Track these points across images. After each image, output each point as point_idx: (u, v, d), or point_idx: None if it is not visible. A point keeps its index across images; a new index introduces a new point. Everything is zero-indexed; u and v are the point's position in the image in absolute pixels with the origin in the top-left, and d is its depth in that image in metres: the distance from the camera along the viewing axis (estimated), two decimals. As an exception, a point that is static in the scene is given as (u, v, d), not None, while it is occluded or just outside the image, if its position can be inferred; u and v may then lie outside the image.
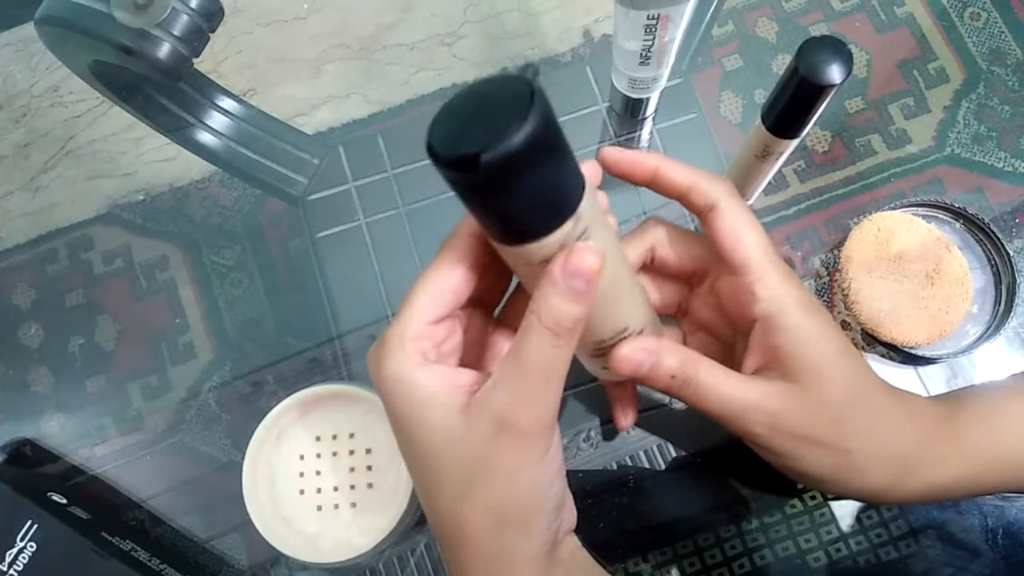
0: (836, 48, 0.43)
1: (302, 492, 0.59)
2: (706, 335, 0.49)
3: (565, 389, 0.61)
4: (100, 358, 0.68)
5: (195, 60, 0.52)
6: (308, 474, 0.60)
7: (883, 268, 0.60)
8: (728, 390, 0.42)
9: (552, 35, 0.74)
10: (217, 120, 0.64)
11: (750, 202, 0.64)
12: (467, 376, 0.39)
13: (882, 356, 0.63)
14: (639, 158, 0.43)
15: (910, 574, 0.58)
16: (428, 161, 0.31)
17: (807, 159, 0.68)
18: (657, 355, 0.42)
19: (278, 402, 0.59)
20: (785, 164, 0.63)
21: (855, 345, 0.60)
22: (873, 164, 0.68)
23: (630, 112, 0.66)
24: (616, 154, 0.43)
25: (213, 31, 0.52)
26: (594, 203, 0.36)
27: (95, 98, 0.73)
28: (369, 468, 0.59)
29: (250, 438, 0.58)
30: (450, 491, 0.38)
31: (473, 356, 0.44)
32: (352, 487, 0.59)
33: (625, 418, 0.54)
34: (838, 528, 0.59)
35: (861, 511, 0.60)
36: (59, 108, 0.74)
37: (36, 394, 0.68)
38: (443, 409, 0.37)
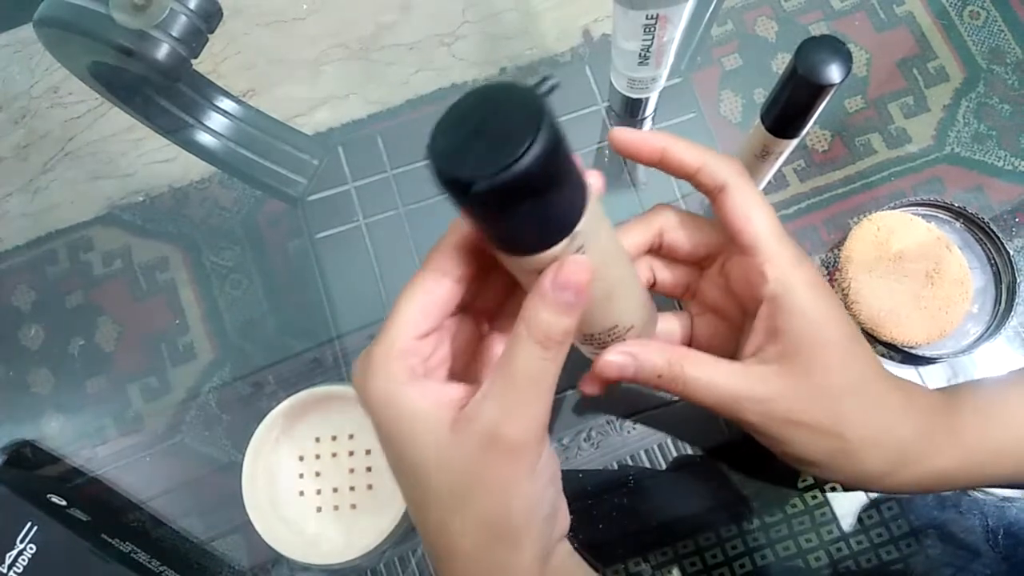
0: (835, 48, 0.43)
1: (302, 493, 0.59)
2: (714, 317, 0.49)
3: (566, 388, 0.62)
4: (100, 359, 0.68)
5: (194, 61, 0.52)
6: (308, 475, 0.60)
7: (883, 268, 0.60)
8: (717, 381, 0.42)
9: (551, 35, 0.74)
10: (216, 121, 0.64)
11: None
12: (456, 390, 0.39)
13: (882, 356, 0.62)
14: (648, 138, 0.43)
15: (911, 574, 0.58)
16: (427, 161, 0.31)
17: (807, 158, 0.68)
18: (640, 357, 0.42)
19: (278, 403, 0.59)
20: (785, 163, 0.63)
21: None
22: (873, 163, 0.68)
23: (629, 112, 0.66)
24: (625, 134, 0.43)
25: (212, 32, 0.52)
26: (595, 211, 0.35)
27: (94, 99, 0.73)
28: (369, 469, 0.59)
29: (250, 438, 0.58)
30: (440, 506, 0.38)
31: (463, 363, 0.43)
32: (352, 488, 0.59)
33: (591, 385, 0.52)
34: (839, 528, 0.59)
35: (862, 510, 0.60)
36: (58, 109, 0.74)
37: (36, 395, 0.68)
38: (432, 425, 0.37)
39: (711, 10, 0.70)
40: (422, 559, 0.61)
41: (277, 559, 0.62)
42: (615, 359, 0.42)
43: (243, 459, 0.58)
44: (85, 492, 0.65)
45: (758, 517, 0.60)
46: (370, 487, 0.59)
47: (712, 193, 0.43)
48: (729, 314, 0.48)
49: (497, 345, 0.44)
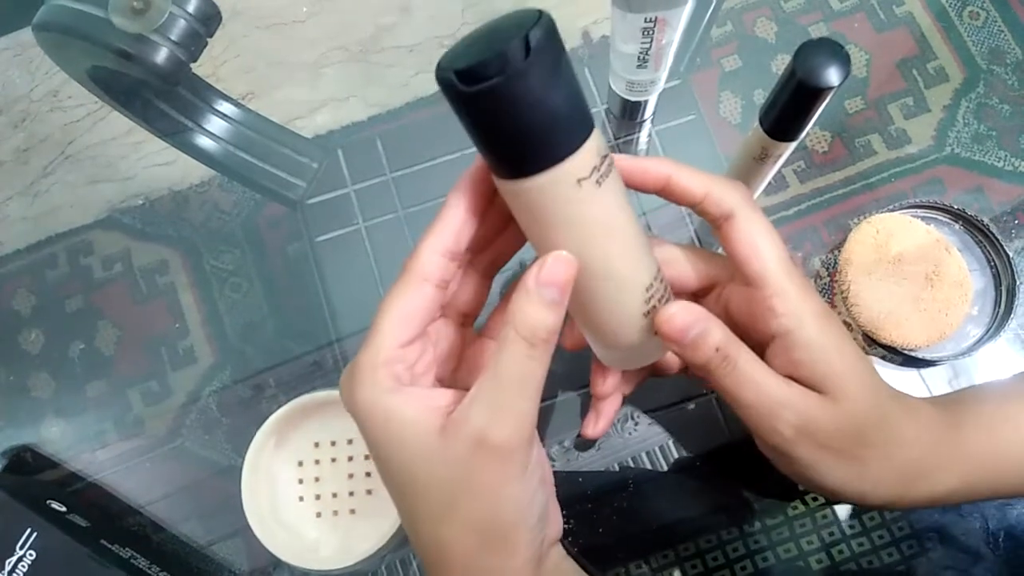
0: (833, 51, 0.42)
1: (301, 498, 0.59)
2: None
3: (568, 390, 0.62)
4: (100, 363, 0.68)
5: (193, 64, 0.52)
6: (307, 480, 0.60)
7: (882, 270, 0.60)
8: (766, 381, 0.41)
9: (551, 37, 0.73)
10: (216, 124, 0.64)
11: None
12: (443, 396, 0.39)
13: (882, 358, 0.63)
14: (650, 166, 0.42)
15: (912, 576, 0.58)
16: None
17: (807, 159, 0.68)
18: (707, 322, 0.40)
19: (278, 406, 0.59)
20: (784, 164, 0.63)
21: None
22: (873, 164, 0.68)
23: (628, 115, 0.66)
24: (626, 161, 0.42)
25: (211, 36, 0.52)
26: (602, 141, 0.36)
27: (94, 103, 0.73)
28: (368, 474, 0.59)
29: (250, 442, 0.58)
30: (430, 512, 0.38)
31: (449, 368, 0.43)
32: (351, 493, 0.59)
33: (596, 426, 0.52)
34: (840, 530, 0.59)
35: (864, 513, 0.59)
36: (58, 113, 0.74)
37: (36, 399, 0.68)
38: (420, 432, 0.37)
39: (710, 11, 0.70)
40: (422, 564, 0.61)
41: (277, 564, 0.62)
42: (683, 313, 0.40)
43: (243, 463, 0.58)
44: (85, 497, 0.65)
45: (759, 519, 0.60)
46: (369, 492, 0.59)
47: (717, 222, 0.43)
48: None
49: (484, 349, 0.44)
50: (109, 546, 0.58)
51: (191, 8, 0.50)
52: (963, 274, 0.60)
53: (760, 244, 0.41)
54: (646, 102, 0.64)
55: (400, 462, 0.38)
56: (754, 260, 0.41)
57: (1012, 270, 0.61)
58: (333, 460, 0.60)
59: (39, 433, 0.67)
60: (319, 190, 0.68)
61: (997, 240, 0.61)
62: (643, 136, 0.68)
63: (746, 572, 0.59)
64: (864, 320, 0.60)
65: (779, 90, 0.46)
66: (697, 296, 0.48)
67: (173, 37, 0.49)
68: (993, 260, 0.62)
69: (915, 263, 0.60)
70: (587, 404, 0.62)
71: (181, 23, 0.50)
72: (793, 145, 0.50)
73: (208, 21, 0.51)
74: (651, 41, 0.53)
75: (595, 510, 0.61)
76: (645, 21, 0.51)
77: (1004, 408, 0.47)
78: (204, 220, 0.71)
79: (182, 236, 0.70)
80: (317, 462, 0.60)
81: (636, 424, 0.62)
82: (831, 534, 0.59)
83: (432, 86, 0.72)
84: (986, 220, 0.62)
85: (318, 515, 0.59)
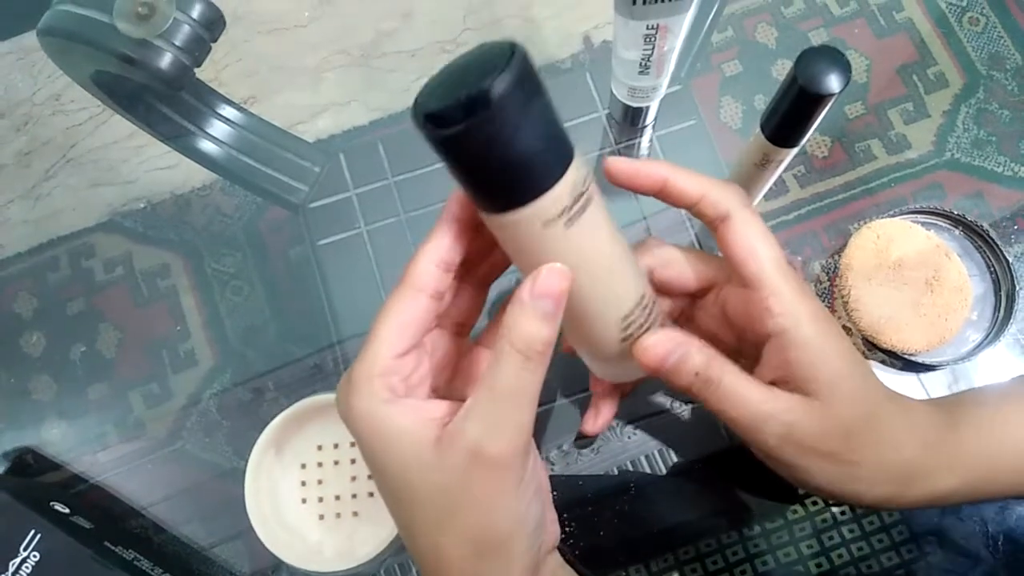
0: (834, 58, 0.43)
1: (304, 501, 0.60)
2: (709, 342, 0.49)
3: (565, 395, 0.62)
4: (101, 366, 0.68)
5: (196, 69, 0.52)
6: (310, 483, 0.60)
7: (882, 275, 0.61)
8: (748, 396, 0.42)
9: (552, 42, 0.74)
10: (218, 128, 0.64)
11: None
12: (438, 408, 0.39)
13: (882, 363, 0.63)
14: (646, 168, 0.43)
15: (912, 580, 0.59)
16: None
17: (807, 164, 0.68)
18: (685, 347, 0.41)
19: (279, 409, 0.59)
20: (785, 169, 0.63)
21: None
22: (873, 169, 0.68)
23: (630, 120, 0.66)
24: (621, 164, 0.42)
25: (215, 41, 0.52)
26: (584, 167, 0.36)
27: (96, 106, 0.74)
28: (370, 477, 0.60)
29: (251, 445, 0.58)
30: (427, 523, 0.38)
31: (444, 379, 0.43)
32: (354, 496, 0.60)
33: (595, 422, 0.53)
34: (839, 534, 0.59)
35: (863, 517, 0.60)
36: (60, 116, 0.74)
37: (38, 402, 0.68)
38: (415, 443, 0.37)
39: (711, 17, 0.70)
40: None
41: (278, 566, 0.62)
42: (660, 344, 0.41)
43: (244, 465, 0.58)
44: (87, 499, 0.65)
45: (759, 523, 0.60)
46: (371, 495, 0.59)
47: (713, 223, 0.43)
48: (724, 340, 0.48)
49: (480, 359, 0.45)
50: (112, 548, 0.58)
51: (195, 13, 0.50)
52: (963, 279, 0.60)
53: (756, 245, 0.42)
54: (648, 108, 0.64)
55: (395, 472, 0.38)
56: (750, 261, 0.42)
57: (1012, 275, 0.61)
58: (336, 463, 0.60)
59: (40, 435, 0.67)
60: (321, 194, 0.68)
61: (997, 245, 0.61)
62: (644, 141, 0.69)
63: (745, 576, 0.59)
64: (864, 325, 0.60)
65: (780, 96, 0.46)
66: (696, 297, 0.48)
67: (177, 42, 0.49)
68: (993, 265, 0.62)
69: (915, 268, 0.60)
70: (585, 407, 0.62)
71: (185, 28, 0.50)
72: (794, 151, 0.50)
73: (212, 26, 0.51)
74: (653, 48, 0.53)
75: (595, 514, 0.61)
76: (647, 28, 0.51)
77: (1002, 409, 0.47)
78: (206, 224, 0.71)
79: (184, 239, 0.71)
80: (320, 465, 0.60)
81: (635, 428, 0.63)
82: (830, 538, 0.59)
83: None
84: (986, 225, 0.62)
85: (321, 518, 0.59)
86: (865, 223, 0.63)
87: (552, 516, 0.45)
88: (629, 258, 0.40)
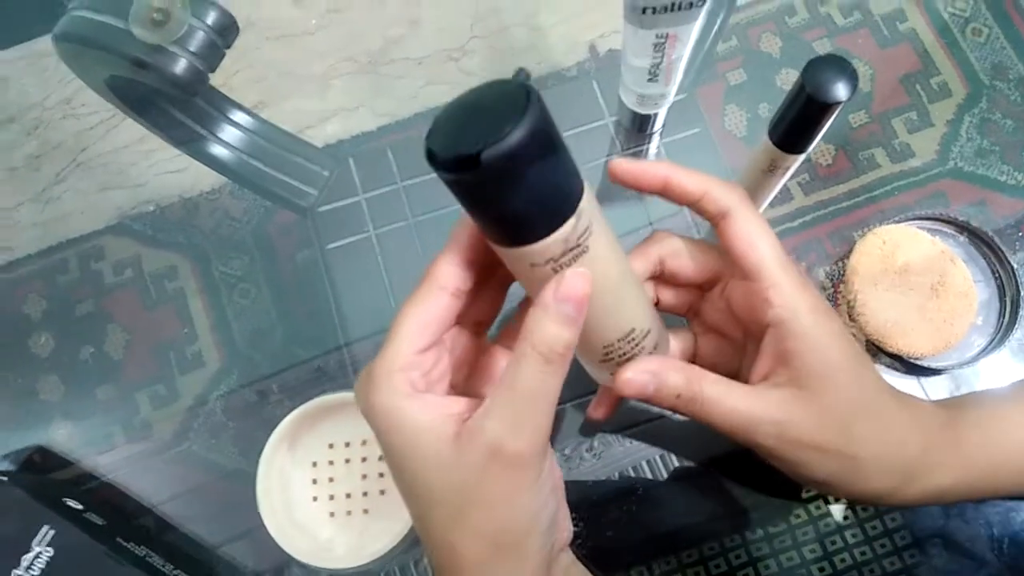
0: (841, 66, 0.43)
1: (315, 499, 0.60)
2: (717, 336, 0.49)
3: (568, 400, 0.62)
4: (109, 367, 0.69)
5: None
6: (321, 481, 0.60)
7: (888, 280, 0.61)
8: (733, 404, 0.42)
9: (558, 50, 0.74)
10: (229, 133, 0.64)
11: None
12: (457, 404, 0.39)
13: (887, 367, 0.63)
14: (649, 167, 0.43)
15: (915, 583, 0.59)
16: (427, 155, 0.32)
17: (811, 172, 0.69)
18: (661, 376, 0.42)
19: (285, 411, 0.59)
20: (790, 177, 0.64)
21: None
22: (876, 177, 0.69)
23: (638, 127, 0.67)
24: (625, 164, 0.43)
25: (228, 47, 0.52)
26: (594, 201, 0.36)
27: (107, 110, 0.74)
28: (381, 475, 0.60)
29: (257, 446, 0.59)
30: (443, 518, 0.38)
31: (462, 376, 0.44)
32: (364, 494, 0.60)
33: (598, 410, 0.53)
34: (842, 538, 0.60)
35: (865, 521, 0.60)
36: (71, 120, 0.75)
37: (46, 402, 0.68)
38: (434, 439, 0.37)
39: (717, 27, 0.70)
40: (432, 564, 0.62)
41: (288, 564, 0.62)
42: (636, 377, 0.42)
43: (250, 466, 0.58)
44: (98, 496, 0.65)
45: (761, 527, 0.61)
46: (383, 492, 0.60)
47: (715, 220, 0.44)
48: (731, 334, 0.48)
49: (499, 358, 0.45)
50: (125, 544, 0.58)
51: (210, 20, 0.50)
52: (968, 285, 0.61)
53: (756, 238, 0.43)
54: (656, 115, 0.64)
55: (414, 467, 0.38)
56: (750, 253, 0.42)
57: (1016, 281, 0.61)
58: (347, 461, 0.60)
59: (48, 436, 0.67)
60: (330, 198, 0.69)
61: (1002, 251, 0.62)
62: (652, 148, 0.69)
63: (749, 579, 0.60)
64: (870, 329, 0.61)
65: (788, 104, 0.46)
66: (703, 290, 0.49)
67: (192, 48, 0.50)
68: (998, 271, 0.63)
69: (921, 274, 0.61)
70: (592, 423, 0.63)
71: (200, 34, 0.50)
72: (802, 157, 0.50)
73: (226, 32, 0.52)
74: (662, 56, 0.54)
75: (598, 518, 0.61)
76: (656, 37, 0.51)
77: (1003, 409, 0.48)
78: (214, 227, 0.71)
79: (192, 243, 0.71)
80: (331, 463, 0.61)
81: (636, 433, 0.63)
82: (833, 542, 0.60)
83: (441, 98, 0.73)
84: (990, 232, 0.62)
85: (332, 515, 0.60)
86: (871, 229, 0.63)
87: (565, 514, 0.45)
88: (628, 287, 0.41)
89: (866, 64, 0.71)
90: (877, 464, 0.43)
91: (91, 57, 0.52)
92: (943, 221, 0.64)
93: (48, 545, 0.55)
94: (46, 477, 0.66)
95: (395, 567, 0.61)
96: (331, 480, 0.60)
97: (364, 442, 0.60)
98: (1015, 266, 0.62)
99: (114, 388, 0.68)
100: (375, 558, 0.56)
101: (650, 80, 0.57)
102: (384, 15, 0.76)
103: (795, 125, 0.47)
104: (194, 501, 0.65)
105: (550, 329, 0.36)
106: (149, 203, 0.72)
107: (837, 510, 0.60)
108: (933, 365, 0.61)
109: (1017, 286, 0.61)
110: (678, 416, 0.62)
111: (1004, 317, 0.62)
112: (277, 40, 0.76)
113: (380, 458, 0.60)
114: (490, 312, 0.44)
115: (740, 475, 0.62)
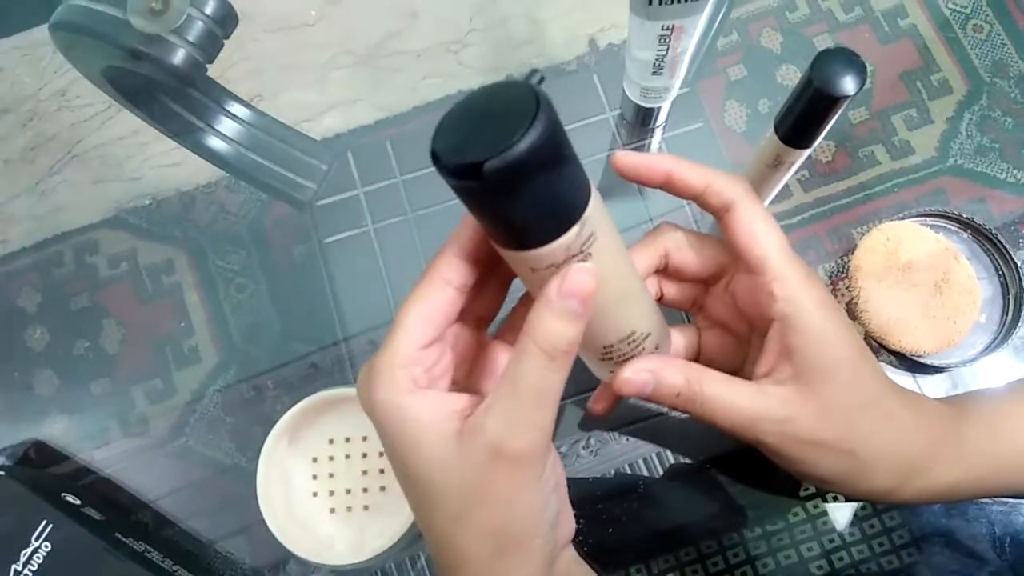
0: (850, 60, 0.43)
1: (315, 495, 0.60)
2: (721, 331, 0.49)
3: (565, 396, 0.62)
4: (105, 361, 0.68)
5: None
6: (321, 477, 0.60)
7: (892, 277, 0.61)
8: (735, 402, 0.42)
9: (558, 43, 0.74)
10: (226, 125, 0.64)
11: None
12: (459, 401, 0.39)
13: (890, 364, 0.63)
14: (652, 160, 0.43)
15: (916, 582, 0.59)
16: (433, 159, 0.32)
17: (811, 169, 0.69)
18: (660, 375, 0.42)
19: (281, 406, 0.59)
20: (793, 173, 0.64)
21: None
22: (876, 174, 0.68)
23: (641, 121, 0.66)
24: (628, 158, 0.43)
25: (227, 37, 0.52)
26: (600, 206, 0.36)
27: (102, 102, 0.74)
28: (382, 471, 0.60)
29: (254, 442, 0.58)
30: (445, 516, 0.38)
31: (464, 371, 0.44)
32: (365, 490, 0.60)
33: (598, 404, 0.53)
34: (841, 537, 0.60)
35: (864, 520, 0.60)
36: (66, 112, 0.74)
37: (40, 397, 0.68)
38: (436, 436, 0.37)
39: (718, 21, 0.70)
40: (429, 560, 0.61)
41: (287, 559, 0.62)
42: (635, 377, 0.42)
43: (247, 462, 0.58)
44: (96, 491, 0.65)
45: (760, 525, 0.60)
46: (383, 489, 0.59)
47: (719, 213, 0.43)
48: (736, 329, 0.48)
49: (500, 354, 0.45)
50: (123, 539, 0.58)
51: (208, 9, 0.50)
52: (972, 282, 0.60)
53: (760, 231, 0.42)
54: (659, 108, 0.64)
55: (416, 464, 0.38)
56: (754, 247, 0.42)
57: (1020, 279, 0.61)
58: (347, 457, 0.60)
59: (43, 430, 0.67)
60: (329, 192, 0.69)
61: (1005, 249, 0.62)
62: (654, 142, 0.69)
63: (747, 577, 0.60)
64: (873, 326, 0.61)
65: (795, 98, 0.46)
66: (707, 284, 0.49)
67: (190, 38, 0.50)
68: (1001, 269, 0.63)
69: (924, 270, 0.61)
70: (586, 408, 0.62)
71: (198, 24, 0.50)
72: (807, 152, 0.50)
73: (224, 22, 0.52)
74: (667, 48, 0.53)
75: (595, 515, 0.61)
76: (662, 29, 0.51)
77: (1005, 407, 0.48)
78: (210, 221, 0.71)
79: (188, 236, 0.71)
80: (331, 458, 0.60)
81: (636, 429, 0.63)
82: (831, 540, 0.60)
83: (440, 91, 0.73)
84: (994, 229, 0.62)
85: (332, 511, 0.60)
86: (875, 225, 0.63)
87: (568, 511, 0.45)
88: (631, 291, 0.41)
89: (866, 60, 0.71)
90: (880, 461, 0.43)
91: (88, 47, 0.51)
92: (946, 218, 0.64)
93: (46, 540, 0.55)
94: (44, 472, 0.65)
95: (394, 564, 0.61)
96: (331, 476, 0.60)
97: (365, 438, 0.60)
98: (1019, 263, 0.62)
99: (110, 383, 0.68)
100: (375, 555, 0.56)
101: (655, 73, 0.57)
102: (383, 8, 0.76)
103: (802, 119, 0.47)
104: (191, 496, 0.65)
105: (553, 325, 0.35)
106: (145, 196, 0.72)
107: (846, 526, 0.60)
108: (936, 363, 0.61)
109: (1020, 284, 0.61)
110: (677, 413, 0.62)
111: (1007, 315, 0.62)
112: (275, 32, 0.75)
113: (381, 454, 0.60)
114: (492, 307, 0.44)
115: (738, 473, 0.62)
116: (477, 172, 0.30)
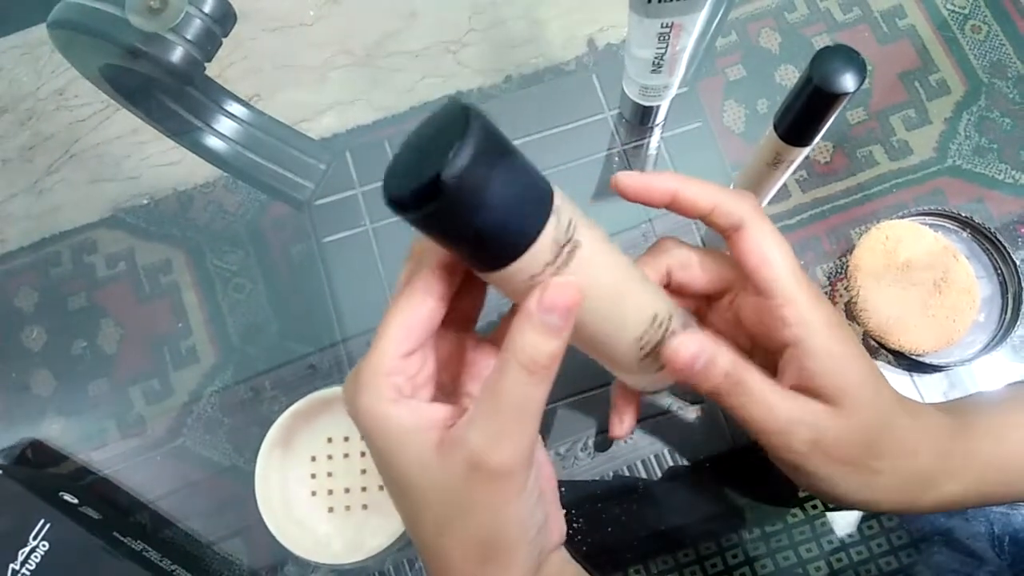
0: (850, 57, 0.43)
1: (314, 494, 0.60)
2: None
3: (565, 397, 0.62)
4: (102, 361, 0.68)
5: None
6: (319, 476, 0.60)
7: (891, 276, 0.61)
8: (777, 401, 0.41)
9: (556, 43, 0.74)
10: (225, 124, 0.64)
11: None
12: (441, 411, 0.39)
13: (889, 363, 0.63)
14: (655, 180, 0.42)
15: (914, 582, 0.59)
16: (405, 219, 0.32)
17: (808, 169, 0.69)
18: (713, 351, 0.41)
19: (279, 407, 0.59)
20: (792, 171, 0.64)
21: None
22: (874, 175, 0.68)
23: (640, 120, 0.66)
24: (630, 179, 0.42)
25: (226, 35, 0.52)
26: (571, 206, 0.35)
27: (100, 102, 0.73)
28: (380, 471, 0.60)
29: (251, 443, 0.58)
30: (431, 524, 0.38)
31: (449, 377, 0.43)
32: (363, 489, 0.60)
33: (621, 426, 0.52)
34: (839, 538, 0.60)
35: (862, 521, 0.60)
36: (64, 111, 0.74)
37: (38, 397, 0.68)
38: (418, 446, 0.37)
39: (716, 21, 0.70)
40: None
41: (285, 559, 0.62)
42: (689, 346, 0.41)
43: (244, 463, 0.58)
44: (94, 491, 0.64)
45: (758, 526, 0.60)
46: (381, 488, 0.59)
47: (727, 232, 0.43)
48: (738, 343, 0.47)
49: (487, 355, 0.44)
50: (121, 539, 0.58)
51: (207, 8, 0.50)
52: (971, 281, 0.60)
53: (770, 253, 0.42)
54: (658, 107, 0.64)
55: (400, 471, 0.38)
56: (764, 269, 0.41)
57: (1018, 278, 0.61)
58: (345, 456, 0.60)
59: (40, 431, 0.66)
60: (327, 191, 0.68)
61: (1004, 248, 0.62)
62: (652, 142, 0.69)
63: (746, 578, 0.60)
64: (872, 325, 0.61)
65: (795, 95, 0.46)
66: (710, 300, 0.48)
67: (189, 36, 0.49)
68: (1000, 268, 0.63)
69: (923, 269, 0.61)
70: (584, 408, 0.62)
71: (197, 22, 0.50)
72: (806, 151, 0.50)
73: (223, 21, 0.51)
74: (666, 46, 0.53)
75: (593, 517, 0.61)
76: (661, 26, 0.51)
77: (1012, 415, 0.47)
78: (208, 220, 0.71)
79: (186, 236, 0.70)
80: (329, 458, 0.60)
81: (637, 430, 0.63)
82: (830, 542, 0.60)
83: (438, 91, 0.73)
84: (993, 228, 0.62)
85: (330, 510, 0.59)
86: (874, 224, 0.63)
87: (558, 516, 0.44)
88: (635, 280, 0.40)
89: (865, 60, 0.71)
90: (896, 478, 0.43)
91: (86, 45, 0.51)
92: (946, 217, 0.64)
93: (44, 539, 0.55)
94: (41, 472, 0.65)
95: (392, 566, 0.61)
96: (329, 475, 0.60)
97: (362, 436, 0.60)
98: (1018, 262, 0.62)
99: (107, 383, 0.68)
100: (373, 554, 0.56)
101: (654, 71, 0.57)
102: (381, 7, 0.76)
103: (801, 116, 0.47)
104: (189, 497, 0.64)
105: (534, 340, 0.35)
106: (143, 196, 0.72)
107: (844, 526, 0.60)
108: (934, 362, 0.61)
109: (1019, 283, 0.61)
110: (679, 412, 0.62)
111: (1006, 314, 0.62)
112: (274, 31, 0.75)
113: (380, 453, 0.60)
114: (475, 306, 0.43)
115: (736, 475, 0.61)
116: (435, 190, 0.30)
